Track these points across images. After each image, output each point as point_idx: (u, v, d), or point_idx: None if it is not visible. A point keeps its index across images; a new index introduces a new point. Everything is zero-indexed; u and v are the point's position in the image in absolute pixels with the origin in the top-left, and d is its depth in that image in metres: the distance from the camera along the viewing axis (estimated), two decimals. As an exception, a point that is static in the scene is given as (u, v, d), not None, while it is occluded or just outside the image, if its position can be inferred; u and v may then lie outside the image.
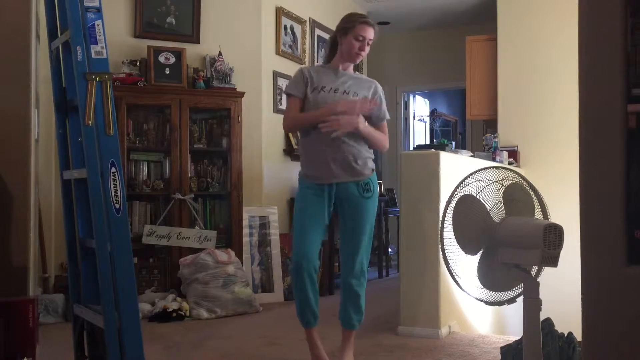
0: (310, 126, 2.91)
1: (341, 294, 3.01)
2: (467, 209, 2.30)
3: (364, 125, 2.87)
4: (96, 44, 2.21)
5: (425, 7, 7.14)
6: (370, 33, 2.96)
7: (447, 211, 2.34)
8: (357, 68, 3.17)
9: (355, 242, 2.93)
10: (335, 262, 5.38)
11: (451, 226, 2.32)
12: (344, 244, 2.99)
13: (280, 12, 5.51)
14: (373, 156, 3.01)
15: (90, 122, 2.17)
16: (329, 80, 2.96)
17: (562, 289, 3.78)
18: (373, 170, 3.00)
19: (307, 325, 3.02)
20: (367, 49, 2.99)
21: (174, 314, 4.17)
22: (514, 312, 3.42)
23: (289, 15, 5.65)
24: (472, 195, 2.32)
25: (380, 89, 3.07)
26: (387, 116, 3.07)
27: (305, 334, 3.06)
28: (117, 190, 2.17)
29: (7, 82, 2.68)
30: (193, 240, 4.65)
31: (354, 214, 2.93)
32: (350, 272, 2.95)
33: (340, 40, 2.97)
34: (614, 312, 1.43)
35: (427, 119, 9.06)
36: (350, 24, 2.96)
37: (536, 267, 2.32)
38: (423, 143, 8.07)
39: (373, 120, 2.99)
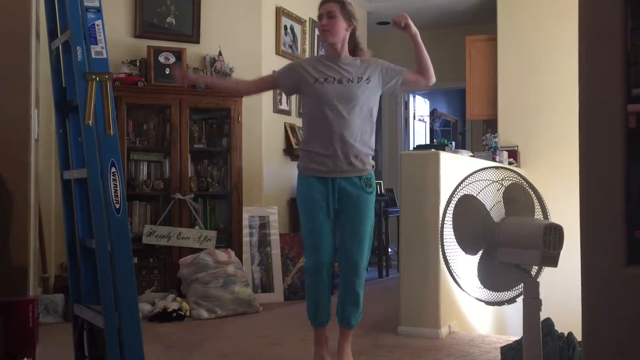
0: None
1: (339, 292, 2.99)
2: (467, 209, 2.30)
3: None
4: (96, 44, 2.21)
5: (425, 7, 7.14)
6: (324, 7, 2.94)
7: (447, 211, 2.33)
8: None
9: (357, 238, 2.90)
10: (335, 261, 5.37)
11: (451, 226, 2.31)
12: (344, 241, 2.94)
13: (280, 12, 5.51)
14: (373, 153, 3.01)
15: (90, 122, 2.18)
16: (330, 71, 2.93)
17: (562, 289, 3.78)
18: (373, 167, 3.00)
19: (320, 325, 3.01)
20: (334, 21, 2.91)
21: (174, 314, 4.17)
22: (514, 312, 3.41)
23: (289, 15, 5.65)
24: (472, 195, 2.32)
25: (382, 61, 3.03)
26: (402, 69, 3.05)
27: (314, 334, 3.05)
28: (117, 190, 2.17)
29: (7, 82, 2.68)
30: (193, 240, 4.65)
31: (356, 208, 2.91)
32: (351, 270, 2.92)
33: None
34: (614, 312, 1.43)
35: (427, 119, 9.06)
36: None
37: (536, 267, 2.32)
38: (423, 143, 8.07)
39: (390, 87, 3.02)
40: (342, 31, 2.95)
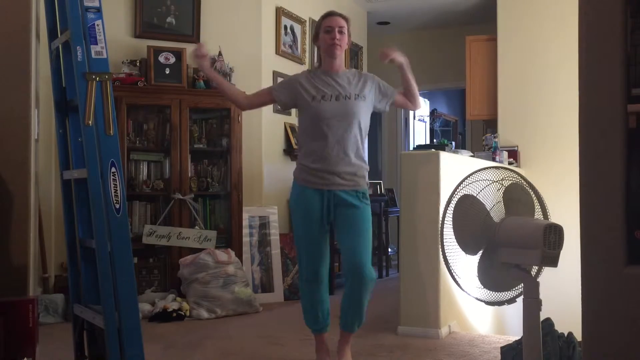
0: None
1: (344, 300, 2.97)
2: (467, 209, 2.29)
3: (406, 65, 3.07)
4: (96, 44, 2.22)
5: (425, 7, 7.14)
6: (335, 21, 2.95)
7: (447, 211, 2.33)
8: (356, 67, 3.18)
9: (361, 246, 2.89)
10: (336, 262, 5.38)
11: (451, 226, 2.31)
12: (349, 251, 2.92)
13: (280, 12, 5.51)
14: (368, 167, 3.03)
15: (90, 122, 2.18)
16: (327, 87, 2.94)
17: (562, 289, 3.78)
18: (367, 183, 3.03)
19: (319, 332, 3.02)
20: (344, 37, 2.96)
21: (174, 314, 4.17)
22: (514, 312, 3.42)
23: (289, 15, 5.65)
24: (472, 195, 2.32)
25: (377, 78, 3.09)
26: (394, 90, 3.12)
27: (315, 340, 3.07)
28: (117, 190, 2.17)
29: (7, 82, 2.68)
30: (193, 240, 4.65)
31: (356, 218, 2.91)
32: (358, 280, 2.87)
33: (318, 45, 3.04)
34: (614, 312, 1.42)
35: (427, 119, 9.05)
36: (317, 27, 3.03)
37: (536, 267, 2.32)
38: (423, 143, 8.06)
39: (381, 107, 3.07)
40: (346, 47, 3.03)
